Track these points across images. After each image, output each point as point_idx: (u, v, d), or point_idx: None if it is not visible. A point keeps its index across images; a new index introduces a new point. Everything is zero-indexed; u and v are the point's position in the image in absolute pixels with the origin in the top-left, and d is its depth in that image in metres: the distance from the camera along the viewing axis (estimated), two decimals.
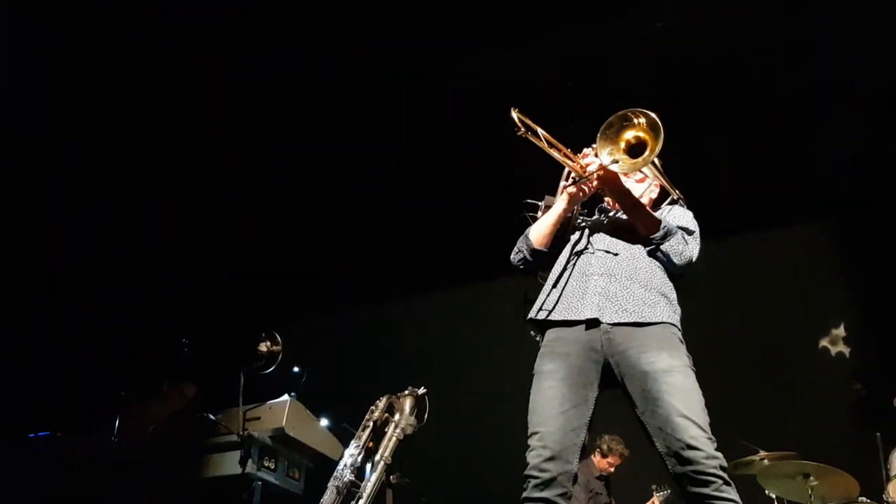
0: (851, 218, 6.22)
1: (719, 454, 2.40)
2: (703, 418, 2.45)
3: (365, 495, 3.45)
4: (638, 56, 5.53)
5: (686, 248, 2.76)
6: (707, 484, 2.36)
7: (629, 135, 2.69)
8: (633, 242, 2.80)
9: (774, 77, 5.53)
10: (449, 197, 6.47)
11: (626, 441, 5.88)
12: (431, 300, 7.49)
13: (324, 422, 5.36)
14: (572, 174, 2.82)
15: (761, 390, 6.08)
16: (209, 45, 5.50)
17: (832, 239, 6.40)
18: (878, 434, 4.68)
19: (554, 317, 2.73)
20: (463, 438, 6.64)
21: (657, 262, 2.77)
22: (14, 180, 5.82)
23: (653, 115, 2.65)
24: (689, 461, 2.38)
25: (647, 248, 2.78)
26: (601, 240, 2.85)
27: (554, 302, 2.75)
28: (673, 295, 2.75)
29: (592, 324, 2.64)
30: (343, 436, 4.68)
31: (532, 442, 2.56)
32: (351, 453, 3.62)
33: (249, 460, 4.55)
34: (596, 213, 3.08)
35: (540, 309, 2.79)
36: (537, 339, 2.81)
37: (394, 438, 3.63)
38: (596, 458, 5.98)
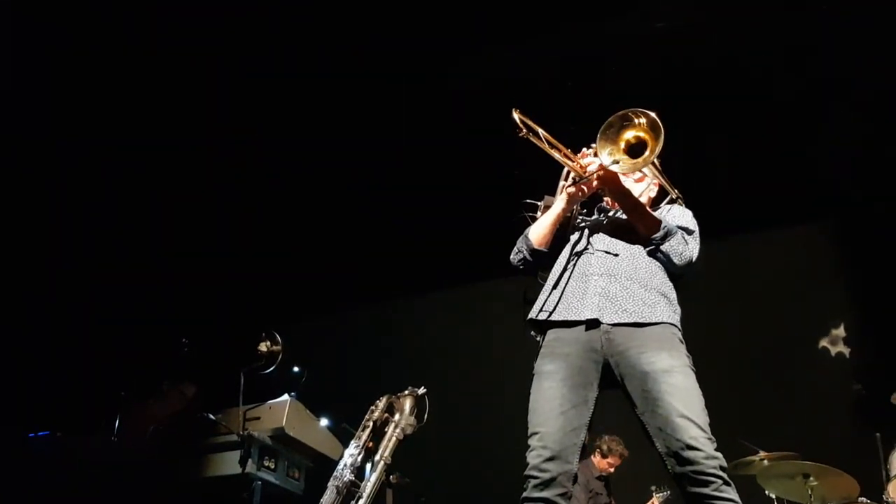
0: (851, 218, 6.22)
1: (719, 454, 2.40)
2: (702, 418, 2.45)
3: (365, 495, 3.45)
4: (638, 56, 5.53)
5: (686, 248, 2.76)
6: (707, 484, 2.36)
7: (629, 135, 2.69)
8: (633, 242, 2.80)
9: (774, 77, 5.53)
10: (449, 197, 6.47)
11: (625, 441, 5.88)
12: (431, 300, 7.49)
13: (324, 422, 5.36)
14: (572, 174, 2.83)
15: (761, 390, 6.08)
16: (210, 44, 5.50)
17: (832, 239, 6.40)
18: (878, 434, 4.68)
19: (554, 317, 2.73)
20: (463, 438, 6.64)
21: (657, 262, 2.77)
22: (14, 180, 5.81)
23: (653, 114, 2.66)
24: (689, 461, 2.38)
25: (647, 249, 2.78)
26: (601, 240, 2.85)
27: (554, 302, 2.75)
28: (673, 295, 2.75)
29: (592, 324, 2.64)
30: (343, 436, 4.68)
31: (532, 442, 2.56)
32: (351, 453, 3.61)
33: (249, 460, 4.56)
34: (595, 212, 3.08)
35: (540, 309, 2.79)
36: (537, 339, 2.81)
37: (394, 438, 3.63)
38: (596, 459, 5.98)
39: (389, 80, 5.89)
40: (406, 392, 3.77)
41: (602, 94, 5.40)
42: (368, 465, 3.61)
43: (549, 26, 5.45)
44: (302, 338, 6.30)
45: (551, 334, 2.73)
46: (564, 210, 2.86)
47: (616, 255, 2.78)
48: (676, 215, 2.91)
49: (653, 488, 5.87)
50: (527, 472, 2.53)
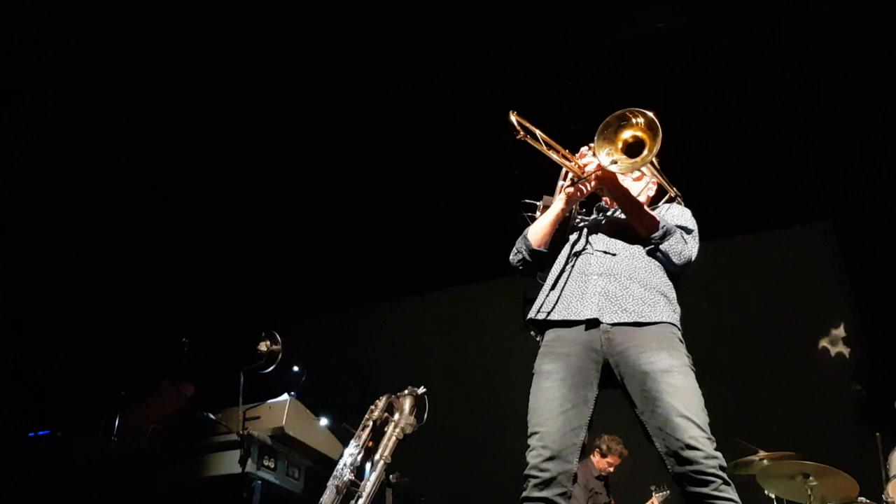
0: (851, 218, 6.22)
1: (719, 454, 2.40)
2: (702, 418, 2.45)
3: (364, 494, 3.44)
4: (638, 56, 5.53)
5: (685, 248, 2.76)
6: (706, 484, 2.36)
7: (627, 134, 2.69)
8: (632, 242, 2.80)
9: (775, 77, 5.53)
10: (450, 196, 6.48)
11: (625, 441, 5.88)
12: (431, 300, 7.49)
13: (323, 421, 5.35)
14: (570, 174, 2.83)
15: (761, 390, 6.08)
16: (212, 42, 5.50)
17: (832, 239, 6.40)
18: (878, 434, 4.68)
19: (553, 317, 2.73)
20: (463, 438, 6.64)
21: (656, 262, 2.77)
22: (14, 179, 5.82)
23: (650, 114, 2.66)
24: (689, 461, 2.38)
25: (647, 248, 2.78)
26: (600, 240, 2.85)
27: (553, 302, 2.76)
28: (672, 294, 2.75)
29: (592, 324, 2.64)
30: (343, 435, 4.68)
31: (532, 442, 2.56)
32: (350, 453, 3.61)
33: (249, 460, 4.55)
34: (594, 212, 3.08)
35: (539, 309, 2.80)
36: (537, 339, 2.81)
37: (393, 438, 3.62)
38: (595, 458, 5.98)
39: (390, 79, 5.90)
40: (406, 391, 3.76)
41: (602, 95, 5.41)
42: (368, 465, 3.60)
43: (549, 27, 5.46)
44: (302, 337, 6.30)
45: (551, 334, 2.73)
46: (563, 210, 2.86)
47: (615, 254, 2.78)
48: (675, 214, 2.91)
49: (652, 488, 5.87)
50: (526, 472, 2.54)
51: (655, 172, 3.01)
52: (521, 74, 5.76)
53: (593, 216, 3.05)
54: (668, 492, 5.72)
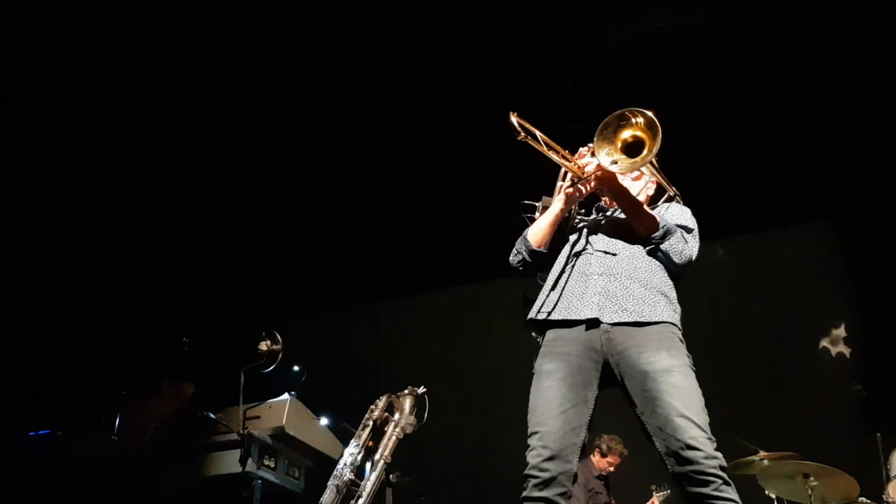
0: (851, 218, 6.22)
1: (719, 454, 2.40)
2: (702, 418, 2.45)
3: (365, 494, 3.44)
4: (638, 56, 5.53)
5: (686, 247, 2.76)
6: (707, 484, 2.36)
7: (626, 134, 2.69)
8: (633, 242, 2.79)
9: (775, 77, 5.53)
10: (449, 197, 6.48)
11: (625, 441, 5.88)
12: (432, 299, 7.50)
13: (324, 421, 5.35)
14: (570, 175, 2.83)
15: (761, 390, 6.08)
16: (213, 42, 5.50)
17: (832, 239, 6.40)
18: (878, 434, 4.68)
19: (554, 316, 2.72)
20: (463, 438, 6.65)
21: (656, 261, 2.77)
22: (14, 178, 5.82)
23: (650, 113, 2.65)
24: (689, 461, 2.38)
25: (647, 248, 2.77)
26: (600, 239, 2.85)
27: (553, 302, 2.75)
28: (673, 294, 2.75)
29: (592, 324, 2.64)
30: (343, 435, 4.68)
31: (532, 441, 2.56)
32: (351, 452, 3.61)
33: (249, 459, 4.54)
34: (594, 212, 3.08)
35: (539, 309, 2.79)
36: (538, 339, 2.81)
37: (393, 437, 3.62)
38: (595, 458, 5.98)
39: (389, 79, 5.90)
40: (406, 391, 3.77)
41: (602, 94, 5.41)
42: (368, 464, 3.60)
43: (550, 27, 5.46)
44: (302, 337, 6.30)
45: (551, 334, 2.73)
46: (563, 210, 2.86)
47: (615, 254, 2.78)
48: (675, 214, 2.91)
49: (653, 487, 5.87)
50: (527, 472, 2.53)
51: (654, 172, 3.01)
52: (521, 74, 5.76)
53: (593, 216, 3.05)
54: (669, 491, 5.71)
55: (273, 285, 7.18)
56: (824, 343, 6.27)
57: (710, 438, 2.42)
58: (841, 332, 6.26)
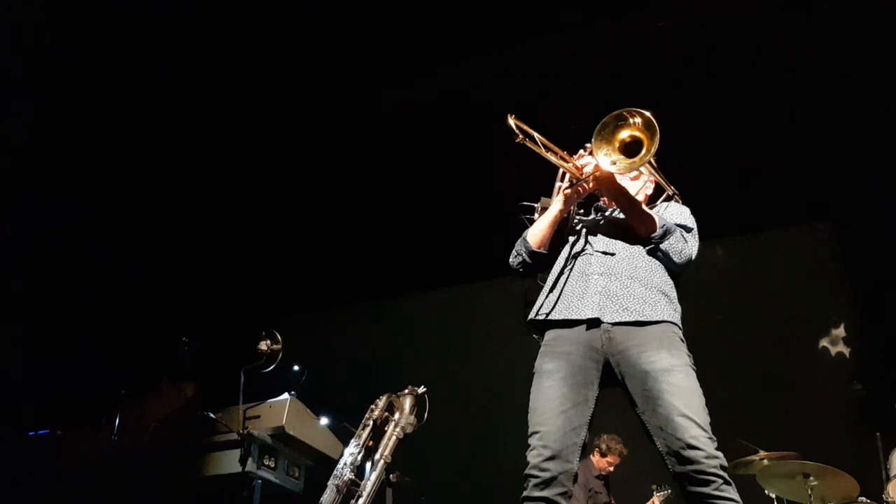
0: (851, 218, 6.22)
1: (720, 454, 2.40)
2: (703, 418, 2.45)
3: (365, 494, 3.45)
4: (638, 56, 5.53)
5: (686, 247, 2.76)
6: (707, 483, 2.36)
7: (624, 134, 2.69)
8: (632, 241, 2.80)
9: (775, 77, 5.53)
10: (449, 196, 6.48)
11: (625, 440, 5.88)
12: (431, 299, 7.50)
13: (324, 420, 5.35)
14: (568, 175, 2.83)
15: (761, 390, 6.08)
16: (214, 42, 5.50)
17: (832, 239, 6.40)
18: (878, 434, 4.68)
19: (554, 316, 2.72)
20: (463, 437, 6.65)
21: (656, 261, 2.77)
22: (14, 178, 5.82)
23: (647, 114, 2.65)
24: (690, 461, 2.38)
25: (647, 248, 2.77)
26: (600, 240, 2.85)
27: (553, 302, 2.75)
28: (673, 293, 2.75)
29: (593, 323, 2.64)
30: (343, 434, 4.68)
31: (532, 441, 2.56)
32: (351, 452, 3.61)
33: (249, 459, 4.54)
34: (592, 211, 3.08)
35: (539, 310, 2.80)
36: (538, 340, 2.80)
37: (394, 437, 3.62)
38: (595, 458, 5.98)
39: (390, 79, 5.90)
40: (406, 391, 3.77)
41: (602, 94, 5.40)
42: (368, 464, 3.60)
43: (550, 27, 5.46)
44: (302, 337, 6.30)
45: (551, 333, 2.73)
46: (562, 211, 2.86)
47: (615, 254, 2.78)
48: (674, 213, 2.91)
49: (653, 487, 5.87)
50: (527, 472, 2.53)
51: (653, 171, 3.01)
52: (521, 74, 5.76)
53: (592, 216, 3.05)
54: (670, 491, 5.71)
55: (273, 285, 7.18)
56: (824, 343, 6.27)
57: (710, 438, 2.42)
58: (841, 332, 6.26)
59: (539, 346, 2.77)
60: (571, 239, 2.93)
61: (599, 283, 2.70)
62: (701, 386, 2.53)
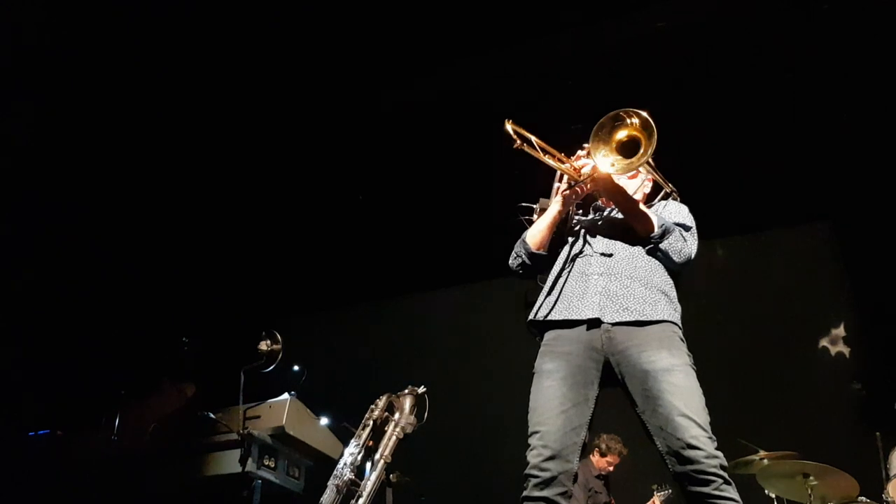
0: (851, 218, 6.22)
1: (720, 453, 2.41)
2: (703, 417, 2.45)
3: (365, 494, 3.44)
4: (638, 56, 5.53)
5: (685, 246, 2.76)
6: (707, 483, 2.36)
7: (622, 134, 2.68)
8: (632, 241, 2.80)
9: (775, 77, 5.53)
10: (449, 196, 6.48)
11: (625, 440, 5.88)
12: (432, 299, 7.50)
13: (324, 420, 5.35)
14: (566, 177, 2.83)
15: (761, 390, 6.08)
16: (215, 41, 5.51)
17: (832, 239, 6.41)
18: (878, 434, 4.68)
19: (554, 317, 2.72)
20: (463, 437, 6.65)
21: (656, 261, 2.77)
22: (14, 178, 5.82)
23: (644, 114, 2.65)
24: (690, 460, 2.39)
25: (646, 248, 2.77)
26: (599, 240, 2.85)
27: (553, 303, 2.76)
28: (673, 293, 2.76)
29: (593, 324, 2.64)
30: (343, 434, 4.68)
31: (532, 441, 2.56)
32: (351, 452, 3.60)
33: (249, 459, 4.54)
34: (591, 211, 3.08)
35: (539, 310, 2.80)
36: (539, 340, 2.81)
37: (394, 437, 3.62)
38: (595, 458, 5.98)
39: (390, 79, 5.91)
40: (406, 391, 3.76)
41: (602, 94, 5.40)
42: (368, 464, 3.60)
43: (551, 27, 5.47)
44: (302, 337, 6.30)
45: (551, 334, 2.73)
46: (560, 212, 2.86)
47: (615, 254, 2.78)
48: (673, 212, 2.91)
49: (654, 487, 5.87)
50: (527, 471, 2.54)
51: (651, 170, 3.01)
52: (521, 74, 5.76)
53: (590, 216, 3.05)
54: (671, 490, 5.71)
55: (273, 285, 7.18)
56: (824, 343, 6.27)
57: (710, 437, 2.42)
58: (841, 331, 6.26)
59: (538, 345, 2.77)
60: (570, 239, 2.93)
61: (599, 284, 2.70)
62: (701, 386, 2.53)
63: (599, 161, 2.68)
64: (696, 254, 2.79)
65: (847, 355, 6.20)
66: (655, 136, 2.61)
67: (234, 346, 5.07)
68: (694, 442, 2.39)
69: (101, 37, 5.42)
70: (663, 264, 2.78)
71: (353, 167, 6.50)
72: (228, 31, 5.46)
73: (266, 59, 5.69)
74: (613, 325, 2.62)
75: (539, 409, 2.60)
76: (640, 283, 2.69)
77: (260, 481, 4.73)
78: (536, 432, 2.56)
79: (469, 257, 6.54)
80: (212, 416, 4.76)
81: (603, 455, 5.96)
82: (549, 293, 2.82)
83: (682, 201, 3.03)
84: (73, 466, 5.09)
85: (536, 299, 2.86)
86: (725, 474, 2.39)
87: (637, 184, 2.97)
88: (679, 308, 2.74)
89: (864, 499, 4.41)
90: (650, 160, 2.96)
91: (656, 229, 2.74)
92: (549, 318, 2.74)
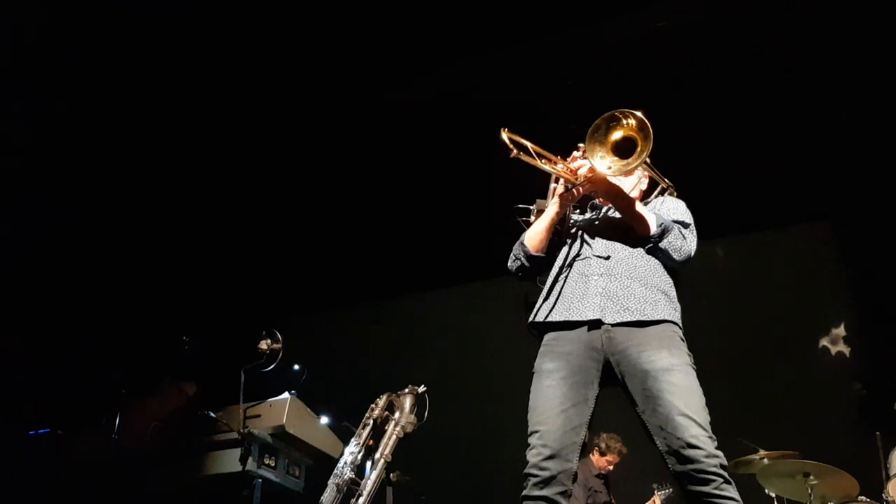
0: (851, 218, 6.22)
1: (720, 453, 2.41)
2: (703, 417, 2.45)
3: (365, 493, 3.44)
4: (638, 56, 5.54)
5: (685, 243, 2.75)
6: (707, 482, 2.36)
7: (617, 135, 2.67)
8: (630, 241, 2.79)
9: (775, 77, 5.53)
10: (449, 196, 6.48)
11: (625, 439, 5.88)
12: (432, 299, 7.50)
13: (324, 420, 5.36)
14: (562, 179, 2.83)
15: (761, 389, 6.08)
16: (215, 41, 5.51)
17: (832, 239, 6.41)
18: (878, 433, 4.68)
19: (554, 318, 2.72)
20: (463, 437, 6.65)
21: (655, 260, 2.77)
22: (14, 178, 5.82)
23: (640, 114, 2.64)
24: (690, 460, 2.39)
25: (646, 247, 2.77)
26: (598, 241, 2.85)
27: (553, 304, 2.76)
28: (673, 293, 2.76)
29: (594, 324, 2.64)
30: (343, 434, 4.68)
31: (532, 440, 2.56)
32: (351, 451, 3.61)
33: (250, 458, 4.54)
34: (588, 210, 3.08)
35: (539, 312, 2.80)
36: (539, 341, 2.81)
37: (394, 436, 3.62)
38: (594, 457, 5.98)
39: (389, 79, 5.91)
40: (406, 390, 3.76)
41: (602, 94, 5.41)
42: (369, 463, 3.60)
43: (551, 27, 5.47)
44: (303, 336, 6.30)
45: (552, 334, 2.73)
46: (558, 214, 2.86)
47: (615, 255, 2.78)
48: (670, 208, 2.91)
49: (654, 486, 5.86)
50: (527, 471, 2.54)
51: (646, 167, 3.00)
52: (521, 74, 5.77)
53: (587, 215, 3.05)
54: (671, 490, 5.71)
55: (273, 285, 7.18)
56: (824, 342, 6.27)
57: (710, 437, 2.42)
58: (841, 331, 6.26)
59: (538, 345, 2.77)
60: (569, 240, 2.92)
61: (599, 285, 2.70)
62: (701, 385, 2.53)
63: (596, 163, 2.68)
64: (695, 252, 2.79)
65: (847, 355, 6.20)
66: (651, 137, 2.60)
67: (234, 346, 5.07)
68: (694, 441, 2.39)
69: (101, 37, 5.42)
70: (663, 263, 2.77)
71: (353, 167, 6.50)
72: (228, 31, 5.46)
73: (266, 59, 5.70)
74: (614, 325, 2.62)
75: (539, 408, 2.60)
76: (640, 283, 2.69)
77: (260, 480, 4.74)
78: (536, 432, 2.56)
79: (469, 257, 6.54)
80: (212, 415, 4.77)
81: (603, 454, 5.95)
82: (548, 295, 2.81)
83: (682, 202, 3.02)
84: (73, 466, 5.09)
85: (536, 300, 2.86)
86: (726, 473, 2.39)
87: (633, 181, 2.96)
88: (679, 307, 2.73)
89: (864, 498, 4.41)
90: (647, 159, 2.96)
91: (655, 229, 2.73)
92: (549, 319, 2.74)
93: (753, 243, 6.63)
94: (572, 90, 5.63)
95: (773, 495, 4.84)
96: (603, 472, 5.99)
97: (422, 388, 3.79)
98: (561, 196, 2.83)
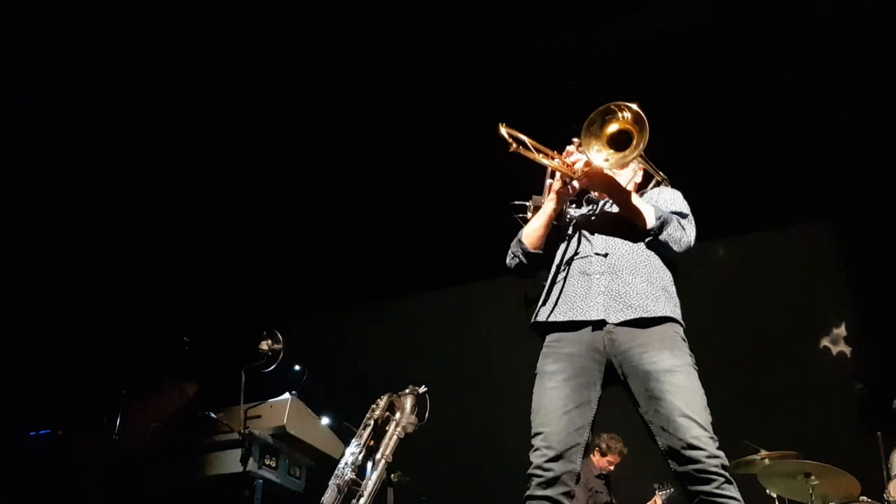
0: (851, 218, 6.22)
1: (721, 453, 2.41)
2: (704, 417, 2.45)
3: (366, 494, 3.44)
4: (638, 56, 5.54)
5: (684, 235, 2.75)
6: (709, 482, 2.37)
7: (613, 128, 2.67)
8: (629, 236, 2.79)
9: (775, 77, 5.53)
10: (449, 196, 6.48)
11: (626, 439, 5.88)
12: (432, 299, 7.50)
13: (325, 420, 5.35)
14: (559, 173, 2.82)
15: (762, 390, 6.08)
16: (215, 41, 5.51)
17: (832, 239, 6.41)
18: (879, 433, 4.68)
19: (558, 318, 2.72)
20: (465, 437, 6.65)
21: (655, 255, 2.77)
22: (13, 178, 5.82)
23: (635, 107, 2.62)
24: (691, 460, 2.39)
25: (646, 241, 2.76)
26: (597, 236, 2.84)
27: (554, 303, 2.75)
28: (672, 289, 2.75)
29: (598, 325, 2.64)
30: (344, 434, 4.67)
31: (536, 442, 2.57)
32: (352, 452, 3.60)
33: (250, 458, 4.53)
34: (584, 203, 3.07)
35: (541, 311, 2.79)
36: (541, 341, 2.80)
37: (395, 437, 3.62)
38: (595, 457, 5.98)
39: (389, 79, 5.91)
40: (407, 390, 3.76)
41: (602, 94, 5.40)
42: (369, 464, 3.60)
43: (551, 27, 5.47)
44: (303, 336, 6.30)
45: (554, 335, 2.73)
46: (555, 209, 2.86)
47: (614, 251, 2.77)
48: (667, 199, 2.90)
49: (655, 486, 5.86)
50: (530, 471, 2.54)
51: (641, 160, 2.99)
52: (521, 74, 5.77)
53: (585, 208, 3.05)
54: (672, 490, 5.71)
55: (273, 285, 7.17)
56: (825, 342, 6.27)
57: (712, 437, 2.43)
58: (841, 331, 6.26)
59: (540, 345, 2.77)
60: (567, 237, 2.92)
61: (602, 283, 2.70)
62: (702, 385, 2.53)
63: (592, 156, 2.67)
64: (695, 247, 2.78)
65: (848, 355, 6.20)
66: (647, 130, 2.59)
67: (234, 346, 5.07)
68: (695, 442, 2.39)
69: (101, 37, 5.41)
70: (664, 255, 2.77)
71: (353, 167, 6.50)
72: (228, 31, 5.46)
73: (266, 59, 5.69)
74: (616, 325, 2.62)
75: (542, 410, 2.60)
76: (641, 279, 2.69)
77: (261, 481, 4.72)
78: (540, 433, 2.56)
79: (469, 257, 6.54)
80: (213, 415, 4.76)
81: (603, 454, 5.95)
82: (549, 294, 2.81)
83: (684, 203, 3.01)
84: (73, 466, 5.08)
85: (536, 296, 2.85)
86: (727, 474, 2.39)
87: (629, 174, 2.96)
88: (678, 304, 2.73)
89: (865, 498, 4.41)
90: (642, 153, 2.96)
91: (654, 221, 2.72)
92: (551, 319, 2.73)
93: (753, 243, 6.63)
94: (572, 90, 5.63)
95: (775, 495, 4.84)
96: (604, 472, 5.99)
97: (422, 389, 3.78)
98: (557, 191, 2.83)
